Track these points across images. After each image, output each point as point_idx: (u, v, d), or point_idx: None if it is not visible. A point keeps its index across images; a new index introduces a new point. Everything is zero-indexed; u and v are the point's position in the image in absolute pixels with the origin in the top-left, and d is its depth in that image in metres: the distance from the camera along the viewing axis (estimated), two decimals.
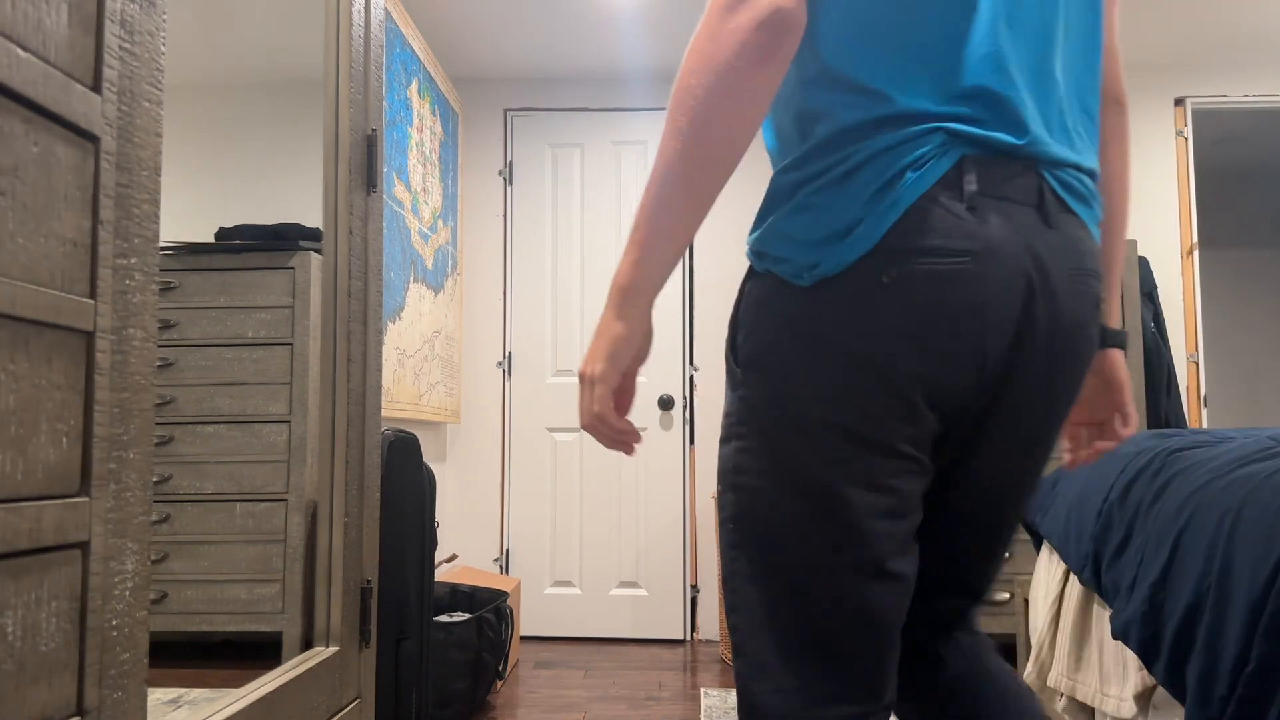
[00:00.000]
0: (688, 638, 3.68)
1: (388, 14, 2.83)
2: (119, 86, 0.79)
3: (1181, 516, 1.24)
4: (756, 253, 0.91)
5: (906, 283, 0.82)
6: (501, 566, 3.75)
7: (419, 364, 3.16)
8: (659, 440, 3.72)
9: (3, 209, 0.65)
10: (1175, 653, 1.17)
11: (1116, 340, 1.07)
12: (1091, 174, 0.93)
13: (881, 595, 0.88)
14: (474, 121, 3.89)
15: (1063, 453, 1.13)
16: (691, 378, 3.74)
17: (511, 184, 3.87)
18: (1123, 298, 3.22)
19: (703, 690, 2.91)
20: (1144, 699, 1.39)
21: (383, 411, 2.74)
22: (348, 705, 1.39)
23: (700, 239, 3.82)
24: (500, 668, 2.73)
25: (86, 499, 0.74)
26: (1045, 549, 1.83)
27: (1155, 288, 3.48)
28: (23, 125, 0.67)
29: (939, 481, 0.97)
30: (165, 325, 1.60)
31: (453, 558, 3.55)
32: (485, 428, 3.80)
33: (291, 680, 1.21)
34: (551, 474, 3.76)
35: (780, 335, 0.87)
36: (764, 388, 0.88)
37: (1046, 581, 1.77)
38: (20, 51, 0.67)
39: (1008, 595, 3.13)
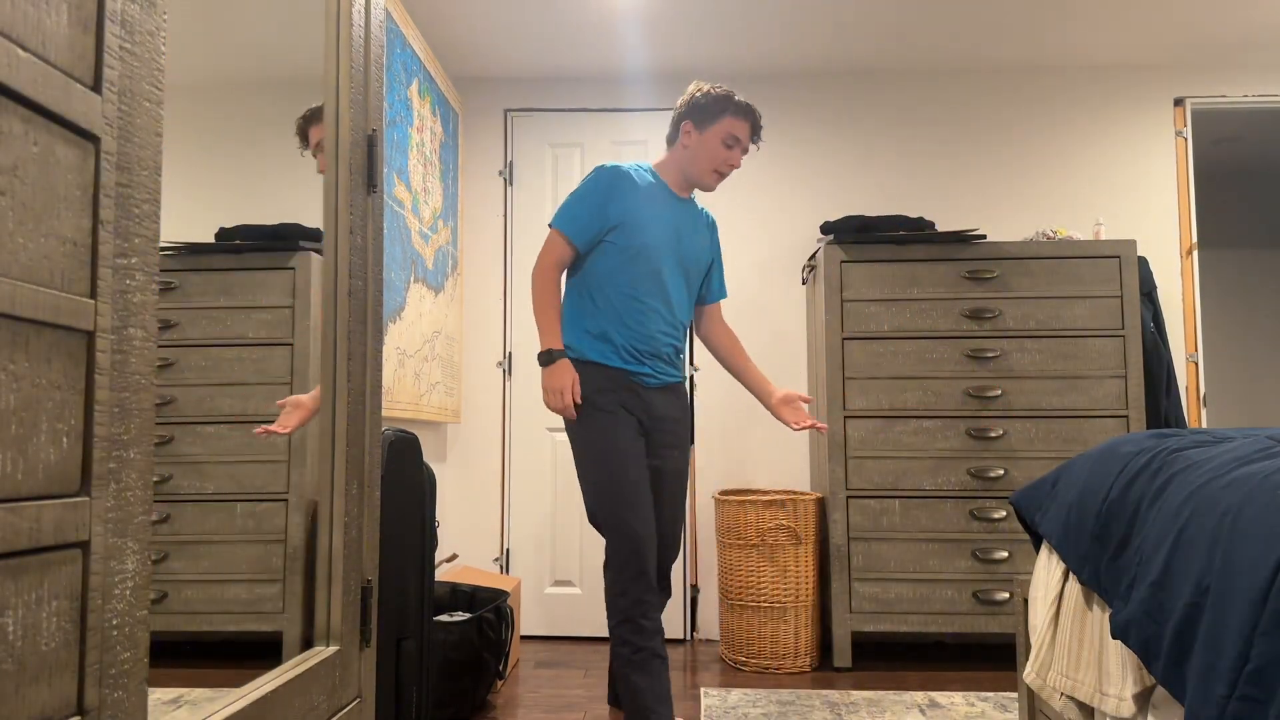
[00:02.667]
0: (688, 637, 3.68)
1: (388, 14, 2.83)
2: (119, 86, 0.79)
3: (1181, 516, 1.24)
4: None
5: None
6: (501, 566, 3.75)
7: (419, 364, 3.16)
8: None
9: (3, 209, 0.65)
10: (1175, 652, 1.17)
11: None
12: None
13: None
14: (474, 121, 3.89)
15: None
16: (691, 378, 3.74)
17: (511, 184, 3.87)
18: (1123, 298, 3.22)
19: (703, 690, 2.91)
20: (1143, 698, 1.39)
21: (383, 411, 2.74)
22: (348, 705, 1.39)
23: None
24: (500, 668, 2.72)
25: (86, 499, 0.74)
26: (1045, 549, 1.83)
27: (1155, 288, 3.48)
28: (22, 125, 0.67)
29: None
30: (166, 325, 1.59)
31: (453, 558, 3.55)
32: (485, 428, 3.80)
33: (292, 680, 1.21)
34: (551, 474, 3.76)
35: None
36: None
37: (1046, 581, 1.77)
38: (20, 51, 0.67)
39: (1007, 595, 3.12)
